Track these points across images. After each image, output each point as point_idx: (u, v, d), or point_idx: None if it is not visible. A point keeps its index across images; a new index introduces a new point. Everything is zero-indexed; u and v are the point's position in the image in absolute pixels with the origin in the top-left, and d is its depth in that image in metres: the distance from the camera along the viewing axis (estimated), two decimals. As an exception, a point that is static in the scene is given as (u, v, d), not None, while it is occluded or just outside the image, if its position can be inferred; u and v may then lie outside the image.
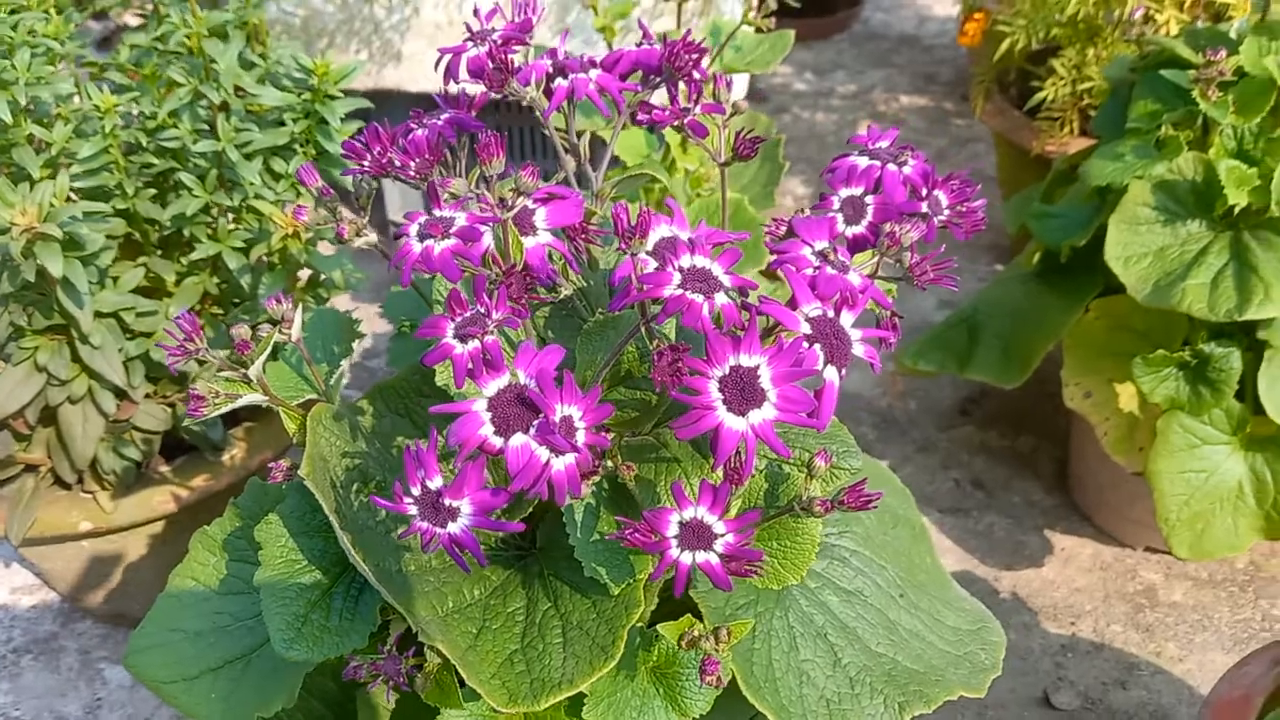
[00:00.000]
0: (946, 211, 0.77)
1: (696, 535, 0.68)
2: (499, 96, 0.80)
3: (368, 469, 0.88)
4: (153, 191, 1.31)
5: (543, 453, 0.64)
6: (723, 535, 0.68)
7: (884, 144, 0.81)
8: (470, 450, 0.65)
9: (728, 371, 0.63)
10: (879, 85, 3.04)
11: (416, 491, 0.68)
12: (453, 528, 0.68)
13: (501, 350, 0.67)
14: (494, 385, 0.66)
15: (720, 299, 0.65)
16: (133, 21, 1.94)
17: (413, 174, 0.79)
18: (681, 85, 0.83)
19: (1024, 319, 1.62)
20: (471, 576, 0.83)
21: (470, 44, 0.84)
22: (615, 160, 1.52)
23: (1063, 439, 1.81)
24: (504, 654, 0.79)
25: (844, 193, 0.78)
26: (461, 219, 0.72)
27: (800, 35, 1.66)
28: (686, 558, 0.68)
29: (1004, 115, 2.16)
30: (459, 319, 0.68)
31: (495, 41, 0.82)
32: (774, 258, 0.71)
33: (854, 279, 0.69)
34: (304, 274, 1.43)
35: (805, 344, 0.65)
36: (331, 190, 0.86)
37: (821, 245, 0.71)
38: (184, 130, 1.26)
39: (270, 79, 1.32)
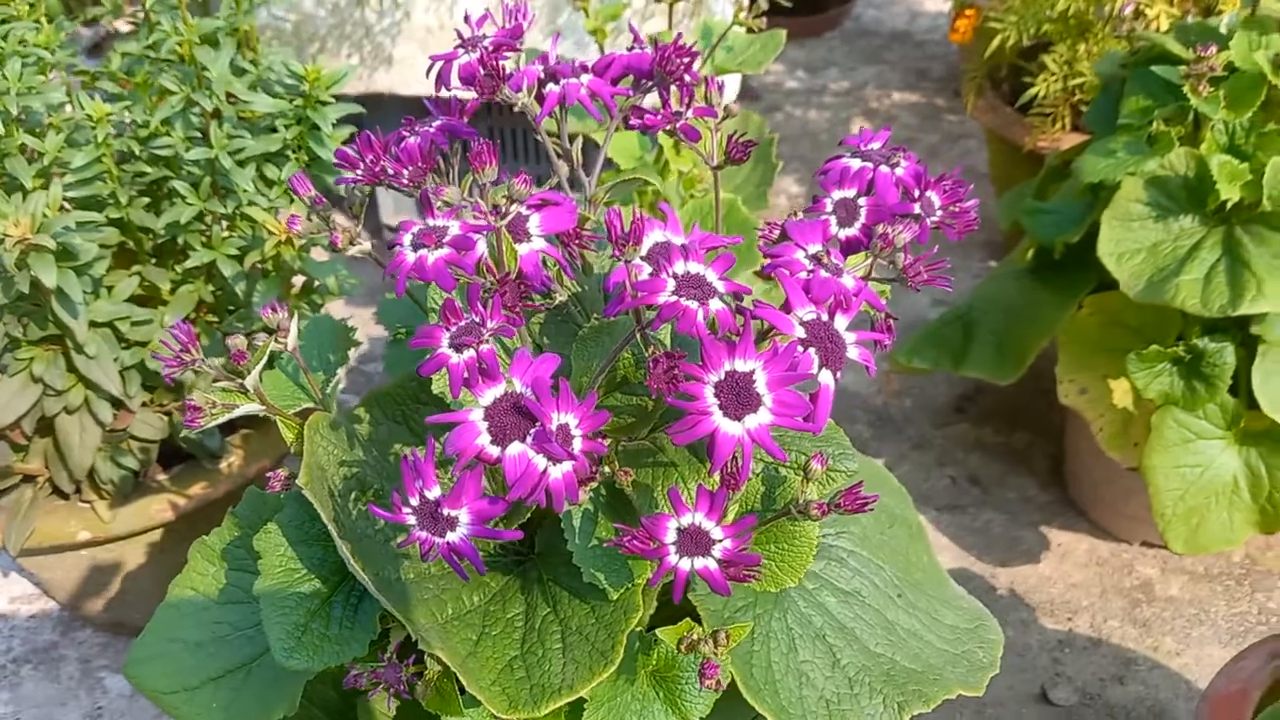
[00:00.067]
0: (939, 212, 0.77)
1: (694, 541, 0.68)
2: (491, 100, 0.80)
3: (365, 477, 0.88)
4: (146, 200, 1.31)
5: (540, 461, 0.64)
6: (720, 541, 0.68)
7: (876, 145, 0.81)
8: (468, 460, 0.65)
9: (723, 377, 0.63)
10: (871, 82, 3.04)
11: (415, 501, 0.68)
12: (451, 537, 0.68)
13: (497, 358, 0.67)
14: (490, 394, 0.66)
15: (714, 305, 0.65)
16: (123, 28, 1.94)
17: (406, 182, 0.79)
18: (673, 89, 0.83)
19: (1018, 315, 1.62)
20: (470, 583, 0.83)
21: (461, 51, 0.84)
22: (609, 163, 1.52)
23: (1058, 435, 1.81)
24: (504, 660, 0.79)
25: (837, 195, 0.78)
26: (455, 227, 0.72)
27: (792, 33, 1.67)
28: (685, 564, 0.68)
29: (996, 111, 2.16)
30: (454, 328, 0.68)
31: (486, 48, 0.82)
32: (768, 261, 0.71)
33: (848, 282, 0.69)
34: (298, 280, 1.43)
35: (800, 348, 0.65)
36: (324, 198, 0.86)
37: (815, 248, 0.71)
38: (176, 138, 1.26)
39: (262, 85, 1.32)
